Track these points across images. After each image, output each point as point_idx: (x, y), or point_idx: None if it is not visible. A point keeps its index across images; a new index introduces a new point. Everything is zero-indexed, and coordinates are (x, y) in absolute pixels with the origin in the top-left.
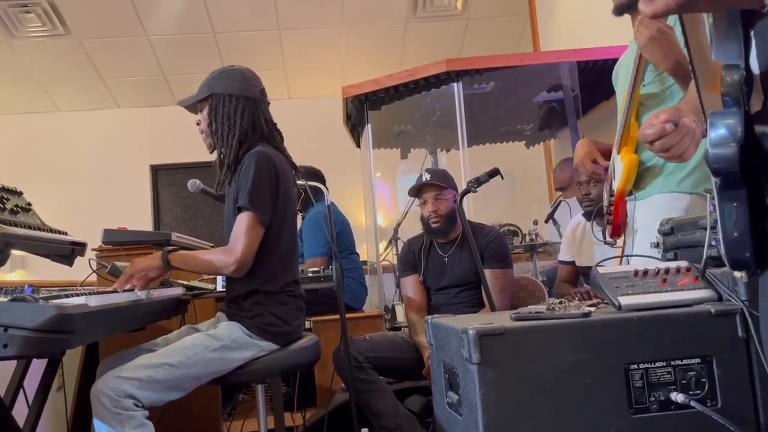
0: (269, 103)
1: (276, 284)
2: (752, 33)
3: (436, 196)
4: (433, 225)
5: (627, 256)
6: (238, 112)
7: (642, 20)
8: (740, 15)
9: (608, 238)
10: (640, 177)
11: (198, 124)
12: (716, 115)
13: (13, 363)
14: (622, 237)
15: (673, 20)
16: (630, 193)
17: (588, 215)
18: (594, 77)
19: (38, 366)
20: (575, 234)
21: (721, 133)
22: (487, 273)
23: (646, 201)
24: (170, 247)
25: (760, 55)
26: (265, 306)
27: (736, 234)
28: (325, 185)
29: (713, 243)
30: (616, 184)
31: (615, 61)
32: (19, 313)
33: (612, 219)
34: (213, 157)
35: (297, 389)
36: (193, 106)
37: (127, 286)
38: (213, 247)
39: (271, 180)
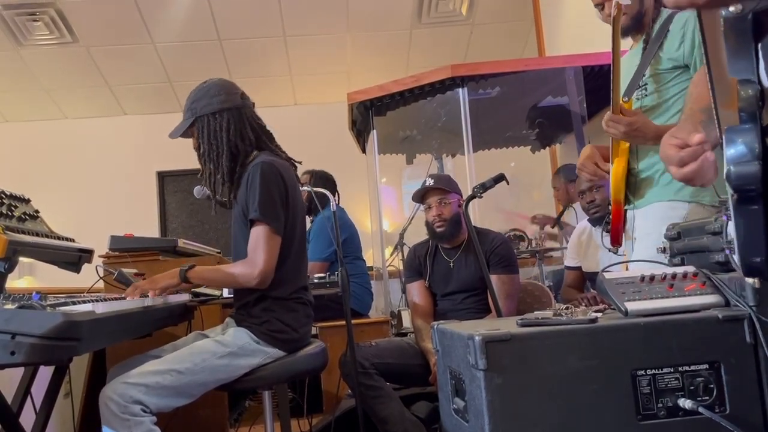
0: (254, 103)
1: (285, 290)
2: (759, 46)
3: (440, 200)
4: (438, 229)
5: (634, 261)
6: (224, 127)
7: (607, 121)
8: (751, 30)
9: (610, 246)
10: (638, 186)
11: (195, 148)
12: (733, 130)
13: (21, 370)
14: (623, 244)
15: (687, 27)
16: (629, 202)
17: (595, 221)
18: (599, 82)
19: (45, 372)
20: (581, 239)
21: (741, 149)
22: (494, 278)
23: (644, 210)
24: (187, 265)
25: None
26: (274, 312)
27: (750, 241)
28: (336, 189)
29: (727, 252)
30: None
31: None
32: (27, 321)
33: (610, 227)
34: None
35: (304, 395)
36: (185, 133)
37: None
38: (219, 253)
39: (279, 189)
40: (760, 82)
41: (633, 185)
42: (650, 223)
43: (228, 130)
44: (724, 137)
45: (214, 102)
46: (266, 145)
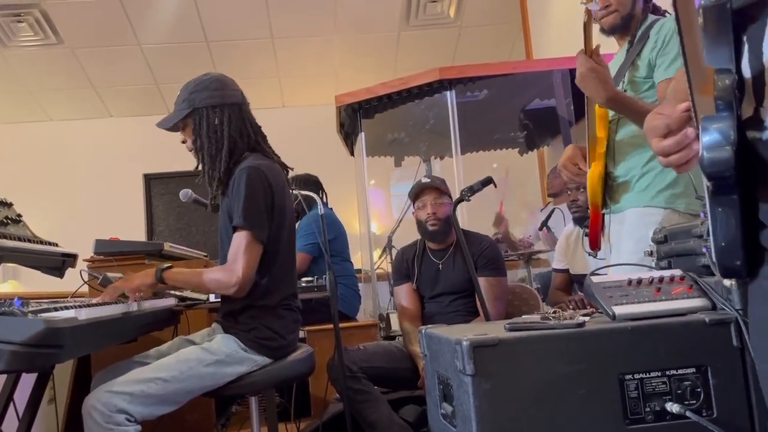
0: (249, 103)
1: (273, 299)
2: (744, 38)
3: (436, 199)
4: (431, 227)
5: (622, 264)
6: (224, 121)
7: (577, 56)
8: (731, 20)
9: (590, 250)
10: (614, 191)
11: (184, 142)
12: (709, 119)
13: (3, 376)
14: (604, 248)
15: (661, 32)
16: (606, 206)
17: (577, 221)
18: None
19: (29, 378)
20: (569, 242)
21: (715, 137)
22: (482, 281)
23: (619, 216)
24: (165, 265)
25: (752, 60)
26: (261, 320)
27: (727, 242)
28: (321, 191)
29: (704, 250)
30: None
31: None
32: (7, 327)
33: (589, 230)
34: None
35: (291, 400)
36: (174, 126)
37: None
38: (206, 256)
39: (265, 195)
40: (738, 72)
41: (610, 189)
42: (625, 228)
43: (229, 125)
44: (700, 126)
45: (216, 95)
46: (260, 146)
